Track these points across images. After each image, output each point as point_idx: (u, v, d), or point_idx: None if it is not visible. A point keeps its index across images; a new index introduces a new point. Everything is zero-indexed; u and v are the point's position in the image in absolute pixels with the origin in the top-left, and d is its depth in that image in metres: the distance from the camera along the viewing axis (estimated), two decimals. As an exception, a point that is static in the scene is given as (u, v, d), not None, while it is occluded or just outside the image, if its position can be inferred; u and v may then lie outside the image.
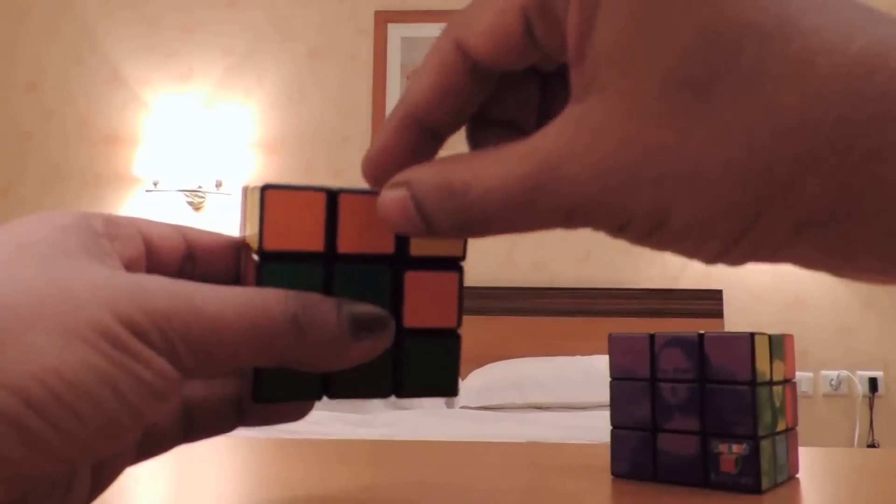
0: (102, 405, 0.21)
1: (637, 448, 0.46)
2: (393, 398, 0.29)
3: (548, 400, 2.54)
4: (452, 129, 0.27)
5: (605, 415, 2.34)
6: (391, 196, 0.25)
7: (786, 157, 0.20)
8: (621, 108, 0.21)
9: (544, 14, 0.23)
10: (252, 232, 0.27)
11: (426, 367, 0.29)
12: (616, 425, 0.47)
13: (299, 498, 0.41)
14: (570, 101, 0.23)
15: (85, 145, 3.28)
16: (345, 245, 0.27)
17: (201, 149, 3.11)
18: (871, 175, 0.19)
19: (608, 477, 0.48)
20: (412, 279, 0.28)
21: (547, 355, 2.97)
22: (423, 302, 0.28)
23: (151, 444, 0.28)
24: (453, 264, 0.29)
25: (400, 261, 0.28)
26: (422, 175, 0.24)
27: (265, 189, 0.27)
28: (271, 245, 0.26)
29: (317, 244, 0.27)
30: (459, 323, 0.29)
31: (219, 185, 3.14)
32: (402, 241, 0.28)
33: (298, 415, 0.30)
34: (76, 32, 3.31)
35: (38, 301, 0.21)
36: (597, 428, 2.14)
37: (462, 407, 2.64)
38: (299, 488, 0.43)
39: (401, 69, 3.25)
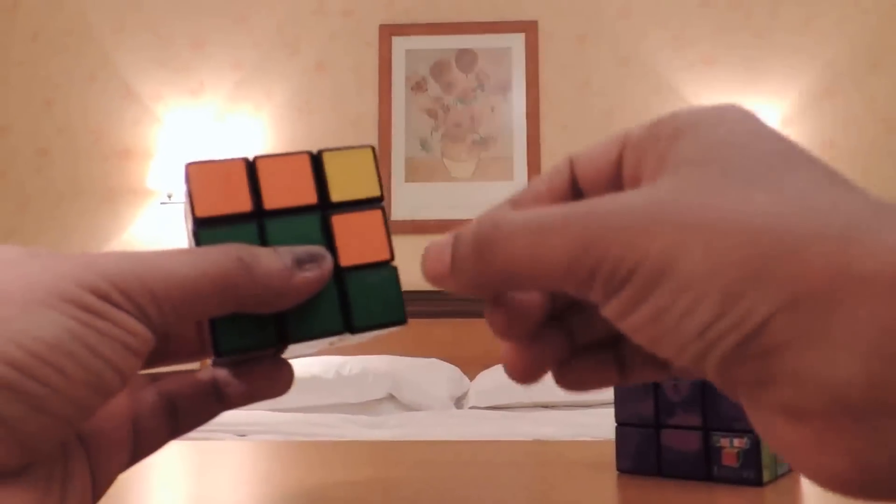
0: (82, 361, 0.22)
1: (641, 444, 0.46)
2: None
3: (554, 398, 2.50)
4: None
5: (610, 412, 2.27)
6: (436, 241, 0.26)
7: (806, 232, 0.20)
8: (672, 181, 0.22)
9: (638, 148, 0.25)
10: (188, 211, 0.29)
11: (371, 300, 0.29)
12: (621, 422, 0.48)
13: (315, 498, 0.41)
14: None
15: (99, 160, 3.26)
16: (270, 202, 0.29)
17: (213, 161, 3.07)
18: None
19: (614, 472, 0.48)
20: (339, 222, 0.30)
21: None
22: (354, 240, 0.30)
23: (144, 444, 0.29)
24: (374, 203, 0.30)
25: (324, 208, 0.30)
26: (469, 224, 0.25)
27: (187, 165, 0.28)
28: (203, 212, 0.28)
29: (244, 205, 0.29)
30: (391, 256, 0.30)
31: (230, 195, 3.13)
32: (322, 191, 0.30)
33: (279, 389, 0.30)
34: (90, 50, 3.30)
35: (4, 288, 0.23)
36: (602, 425, 2.11)
37: (471, 407, 2.61)
38: (312, 490, 0.43)
39: (405, 80, 3.24)
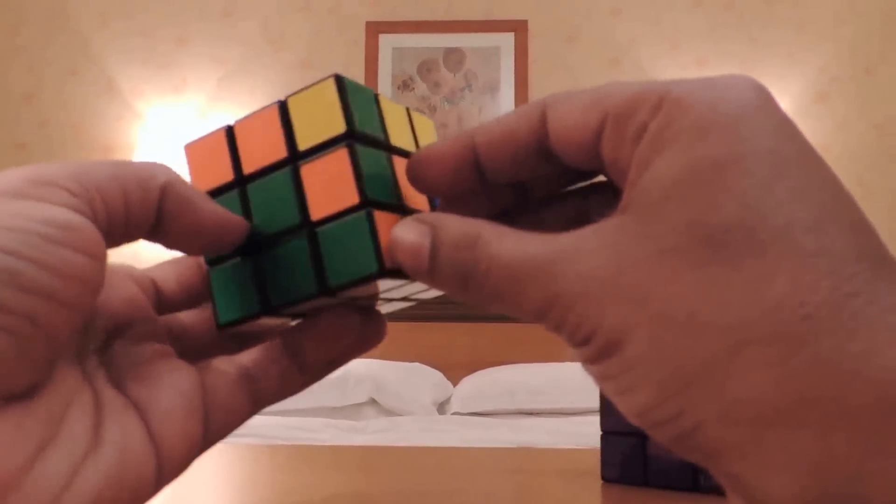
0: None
1: (627, 453, 0.46)
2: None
3: (539, 405, 2.50)
4: (502, 178, 0.27)
5: (596, 420, 2.31)
6: (411, 228, 0.25)
7: (752, 335, 0.19)
8: (637, 232, 0.22)
9: (619, 127, 0.23)
10: None
11: (343, 254, 0.26)
12: (606, 430, 0.48)
13: (292, 504, 0.41)
14: (611, 212, 0.24)
15: (80, 155, 3.24)
16: (248, 166, 0.28)
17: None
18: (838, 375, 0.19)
19: (598, 482, 0.48)
20: (307, 171, 0.27)
21: (539, 361, 2.95)
22: (323, 189, 0.27)
23: (218, 416, 0.28)
24: (340, 142, 0.27)
25: (294, 159, 0.27)
26: (450, 221, 0.25)
27: (185, 146, 0.29)
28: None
29: (227, 175, 0.28)
30: (363, 197, 0.26)
31: (213, 194, 3.12)
32: (290, 141, 0.28)
33: (357, 339, 0.29)
34: (72, 44, 3.28)
35: None
36: (587, 433, 2.10)
37: (454, 413, 2.60)
38: (291, 494, 0.43)
39: (391, 80, 3.22)
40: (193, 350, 0.31)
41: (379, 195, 0.27)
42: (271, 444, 0.64)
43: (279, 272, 0.27)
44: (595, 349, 0.22)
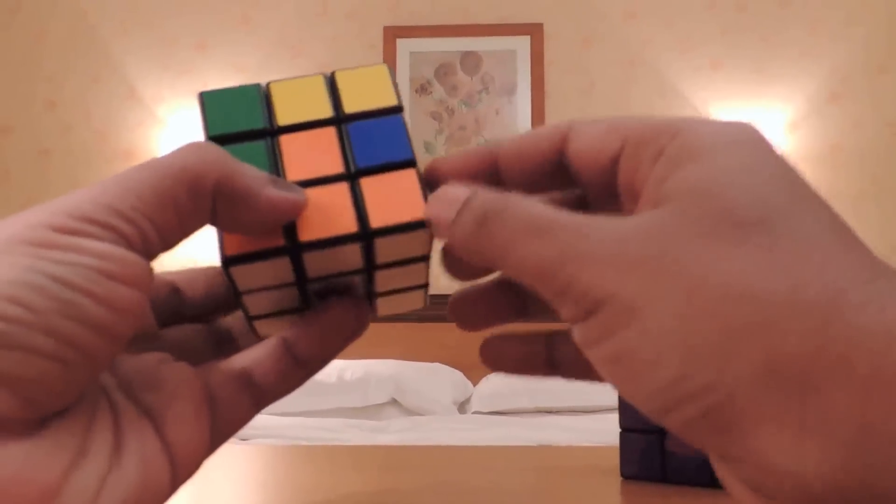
0: (52, 293, 0.21)
1: (646, 450, 0.46)
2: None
3: (557, 404, 2.50)
4: (519, 187, 0.28)
5: (614, 417, 2.29)
6: (457, 187, 0.26)
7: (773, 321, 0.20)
8: (669, 219, 0.22)
9: (638, 150, 0.24)
10: None
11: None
12: (625, 427, 0.47)
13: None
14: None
15: (102, 161, 3.25)
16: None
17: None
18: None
19: (617, 478, 0.48)
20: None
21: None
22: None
23: (223, 417, 0.28)
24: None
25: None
26: (486, 190, 0.25)
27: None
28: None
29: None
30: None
31: (233, 197, 3.14)
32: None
33: (352, 329, 0.29)
34: (94, 51, 3.30)
35: None
36: (606, 430, 2.12)
37: (474, 412, 2.61)
38: (314, 494, 0.43)
39: (409, 84, 3.23)
40: (193, 355, 0.31)
41: None
42: (295, 445, 0.63)
43: None
44: (606, 319, 0.22)
